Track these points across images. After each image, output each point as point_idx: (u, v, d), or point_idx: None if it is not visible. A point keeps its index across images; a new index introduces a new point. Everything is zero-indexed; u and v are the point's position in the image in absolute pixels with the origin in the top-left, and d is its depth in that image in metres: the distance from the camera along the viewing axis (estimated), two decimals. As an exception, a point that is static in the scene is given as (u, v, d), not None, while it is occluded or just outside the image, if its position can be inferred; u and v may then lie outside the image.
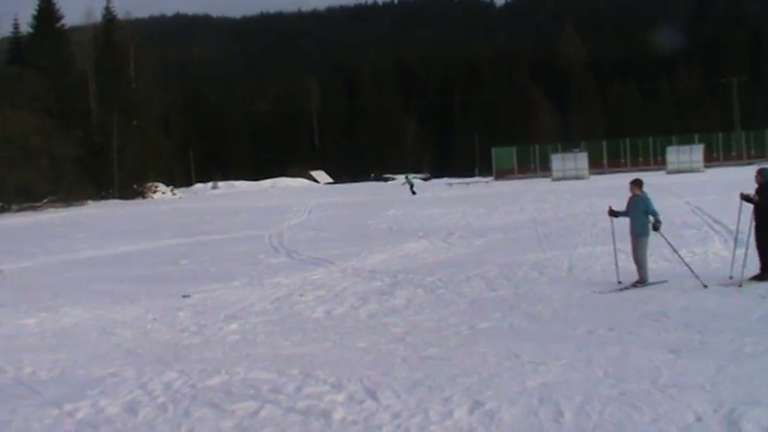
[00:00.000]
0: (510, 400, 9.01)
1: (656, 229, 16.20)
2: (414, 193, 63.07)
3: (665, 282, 16.04)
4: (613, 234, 17.05)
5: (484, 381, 9.88)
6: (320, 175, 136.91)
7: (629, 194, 16.61)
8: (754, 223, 16.01)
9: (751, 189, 16.19)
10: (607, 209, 17.10)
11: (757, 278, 15.83)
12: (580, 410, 8.54)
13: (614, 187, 16.34)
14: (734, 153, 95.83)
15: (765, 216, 15.89)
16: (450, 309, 14.99)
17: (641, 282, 16.11)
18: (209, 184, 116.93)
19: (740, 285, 15.41)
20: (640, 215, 16.31)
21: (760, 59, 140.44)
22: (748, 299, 14.36)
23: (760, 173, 16.32)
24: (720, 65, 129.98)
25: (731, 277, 16.00)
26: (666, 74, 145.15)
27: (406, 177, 74.44)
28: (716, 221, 17.96)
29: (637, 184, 16.55)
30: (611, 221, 17.10)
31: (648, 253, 16.68)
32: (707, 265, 17.63)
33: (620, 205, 16.90)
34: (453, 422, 8.44)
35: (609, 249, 17.00)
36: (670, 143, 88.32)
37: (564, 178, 75.30)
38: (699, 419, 8.11)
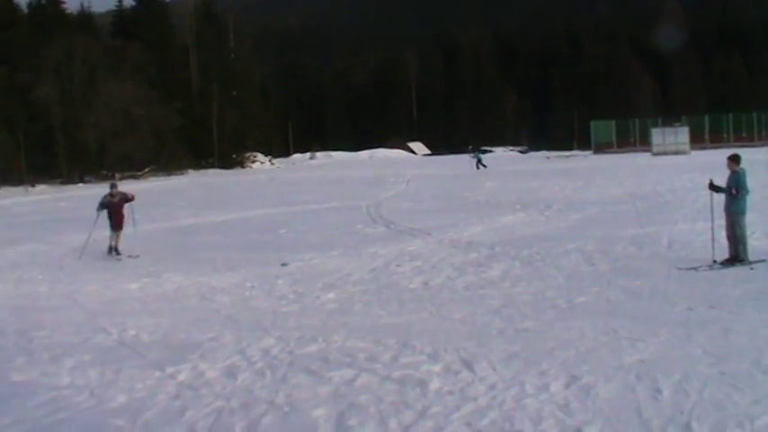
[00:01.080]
0: (606, 376, 8.95)
1: (714, 189, 15.84)
2: (483, 166, 60.90)
3: (763, 261, 15.58)
4: (712, 210, 16.57)
5: (581, 355, 9.83)
6: (418, 146, 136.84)
7: (728, 171, 16.20)
8: None
9: None
10: (707, 183, 16.68)
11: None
12: (678, 388, 8.43)
13: (716, 163, 15.98)
14: None
15: None
16: (547, 282, 14.92)
17: (735, 259, 15.68)
18: (307, 155, 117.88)
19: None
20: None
21: None
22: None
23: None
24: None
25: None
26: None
27: (474, 151, 67.34)
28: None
29: (734, 159, 16.07)
30: (711, 197, 16.65)
31: (749, 231, 16.32)
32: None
33: (722, 181, 16.50)
34: (549, 395, 8.42)
35: (710, 226, 16.62)
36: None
37: (664, 153, 73.88)
38: (802, 401, 7.94)
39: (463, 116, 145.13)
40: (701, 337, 10.45)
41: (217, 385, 9.24)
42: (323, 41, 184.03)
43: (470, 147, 72.39)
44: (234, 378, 9.49)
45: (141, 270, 18.45)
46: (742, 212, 15.74)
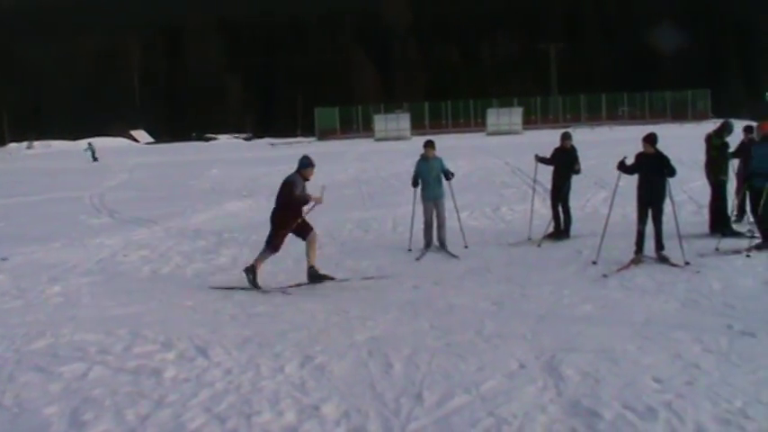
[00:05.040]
0: (339, 354, 9.18)
1: (447, 178, 16.23)
2: (95, 159, 60.81)
3: (456, 257, 15.75)
4: (453, 196, 17.06)
5: (313, 336, 10.02)
6: (140, 134, 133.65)
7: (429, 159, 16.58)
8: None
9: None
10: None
11: (552, 236, 16.63)
12: (409, 362, 8.79)
13: (438, 148, 16.72)
14: (551, 116, 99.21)
15: (560, 178, 16.72)
16: (277, 266, 15.00)
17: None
18: (24, 144, 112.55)
19: (539, 245, 16.07)
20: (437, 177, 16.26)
21: (576, 28, 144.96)
22: (567, 253, 15.01)
23: (564, 136, 17.13)
24: (539, 32, 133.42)
25: (530, 238, 16.73)
26: (488, 39, 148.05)
27: (89, 144, 67.32)
28: (534, 181, 18.69)
29: (429, 145, 16.27)
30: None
31: (467, 212, 17.10)
32: (526, 222, 18.12)
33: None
34: (285, 376, 8.53)
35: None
36: (490, 105, 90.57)
37: (386, 139, 76.14)
38: (522, 366, 8.49)
39: (187, 104, 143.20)
40: (428, 312, 10.93)
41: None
42: (39, 24, 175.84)
43: (194, 135, 71.88)
44: (-47, 379, 8.97)
45: None
46: (442, 197, 16.30)
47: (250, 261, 13.78)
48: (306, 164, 13.87)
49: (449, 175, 16.07)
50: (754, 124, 17.05)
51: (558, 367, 8.39)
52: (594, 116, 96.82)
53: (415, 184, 16.25)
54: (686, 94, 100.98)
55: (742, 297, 11.23)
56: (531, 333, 9.72)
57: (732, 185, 17.48)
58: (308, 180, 13.86)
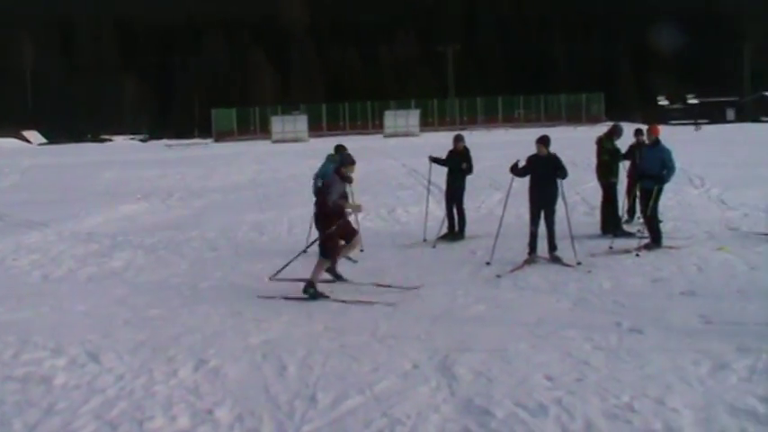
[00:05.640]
0: (234, 357, 9.13)
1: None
2: None
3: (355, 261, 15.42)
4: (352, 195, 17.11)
5: (207, 339, 9.95)
6: (33, 135, 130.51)
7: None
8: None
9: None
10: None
11: (446, 237, 16.85)
12: (303, 364, 8.80)
13: (326, 149, 16.89)
14: (448, 118, 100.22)
15: (455, 180, 16.96)
16: (171, 270, 14.88)
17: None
18: None
19: (433, 246, 16.25)
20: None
21: (474, 30, 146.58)
22: (461, 254, 15.19)
23: (456, 138, 17.35)
24: (436, 34, 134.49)
25: (425, 240, 16.90)
26: (385, 40, 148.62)
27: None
28: (429, 182, 18.91)
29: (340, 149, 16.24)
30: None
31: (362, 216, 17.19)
32: (421, 223, 18.26)
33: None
34: (178, 381, 8.45)
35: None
36: (388, 107, 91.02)
37: (284, 140, 75.96)
38: (416, 366, 8.56)
39: (81, 103, 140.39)
40: (323, 314, 10.96)
41: None
42: None
43: (89, 136, 70.58)
44: None
45: None
46: None
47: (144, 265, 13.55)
48: (345, 161, 12.60)
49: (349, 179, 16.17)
50: (644, 127, 17.47)
51: (451, 367, 8.49)
52: (491, 118, 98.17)
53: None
54: (581, 98, 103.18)
55: (631, 295, 11.53)
56: (425, 334, 9.81)
57: (623, 187, 17.91)
58: (348, 179, 12.49)
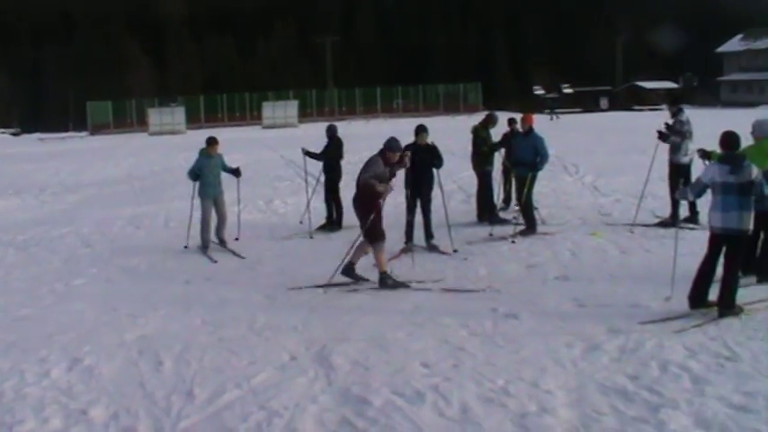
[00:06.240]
0: (109, 355, 9.00)
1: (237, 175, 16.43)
2: None
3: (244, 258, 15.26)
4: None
5: (81, 337, 9.76)
6: None
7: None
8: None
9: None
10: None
11: (324, 228, 16.92)
12: (180, 359, 8.73)
13: (198, 142, 16.71)
14: (327, 109, 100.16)
15: (332, 171, 17.05)
16: (44, 267, 14.54)
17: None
18: None
19: (311, 237, 16.35)
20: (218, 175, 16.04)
21: (352, 21, 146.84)
22: (339, 244, 15.18)
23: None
24: (314, 24, 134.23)
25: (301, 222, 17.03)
26: (263, 31, 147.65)
27: None
28: (306, 173, 18.89)
29: (213, 142, 15.89)
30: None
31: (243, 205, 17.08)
32: (299, 214, 18.21)
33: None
34: (51, 381, 8.29)
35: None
36: (266, 99, 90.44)
37: (161, 133, 74.85)
38: (293, 358, 8.58)
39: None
40: (200, 308, 10.86)
41: None
42: None
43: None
44: None
45: None
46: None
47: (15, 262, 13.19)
48: (391, 146, 12.21)
49: (238, 173, 16.16)
50: (518, 116, 17.75)
51: (328, 357, 8.52)
52: (370, 109, 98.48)
53: (194, 178, 15.86)
54: (458, 87, 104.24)
55: (506, 281, 11.75)
56: (302, 325, 9.83)
57: (498, 175, 18.18)
58: (391, 165, 12.15)
